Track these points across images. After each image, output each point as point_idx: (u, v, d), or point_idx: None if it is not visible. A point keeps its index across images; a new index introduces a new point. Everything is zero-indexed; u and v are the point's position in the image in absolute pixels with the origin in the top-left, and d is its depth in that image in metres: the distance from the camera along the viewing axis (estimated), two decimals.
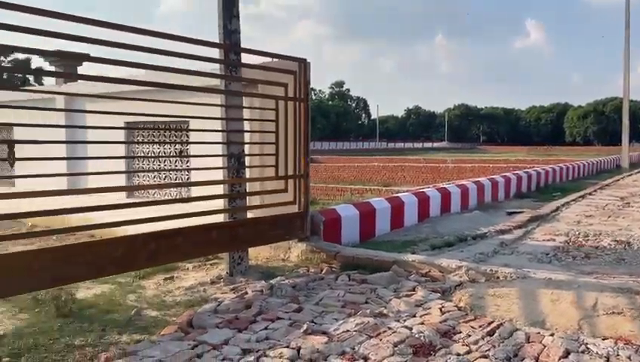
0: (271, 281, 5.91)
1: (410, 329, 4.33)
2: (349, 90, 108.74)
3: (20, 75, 52.96)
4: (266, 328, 4.41)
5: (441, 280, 5.83)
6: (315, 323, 4.51)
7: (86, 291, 5.84)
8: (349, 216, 8.01)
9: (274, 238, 6.95)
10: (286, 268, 6.78)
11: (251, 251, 6.89)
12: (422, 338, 4.14)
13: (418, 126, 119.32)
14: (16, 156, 4.32)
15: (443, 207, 10.74)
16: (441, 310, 4.82)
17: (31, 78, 51.71)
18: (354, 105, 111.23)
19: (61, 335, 4.47)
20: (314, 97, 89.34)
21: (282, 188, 6.73)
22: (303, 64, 6.82)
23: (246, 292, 5.51)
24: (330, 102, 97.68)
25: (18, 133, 9.93)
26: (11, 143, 4.28)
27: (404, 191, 11.38)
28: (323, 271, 6.37)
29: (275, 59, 6.90)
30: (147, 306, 5.36)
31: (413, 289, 5.48)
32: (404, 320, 4.56)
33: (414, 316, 4.69)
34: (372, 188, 16.50)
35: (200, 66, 6.43)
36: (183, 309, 5.17)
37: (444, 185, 12.19)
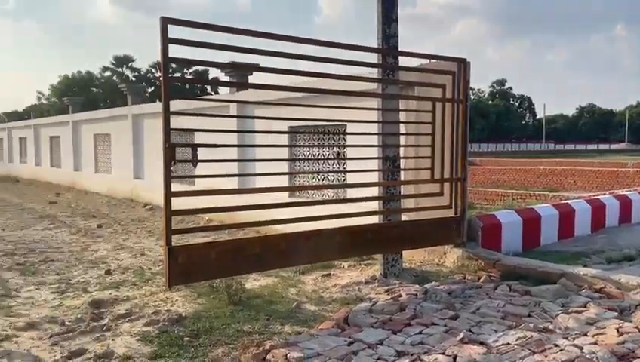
0: (425, 286, 5.84)
1: (581, 348, 3.96)
2: (511, 88, 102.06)
3: (198, 85, 59.49)
4: (420, 332, 4.37)
5: (618, 298, 5.24)
6: (472, 333, 4.36)
7: (253, 282, 6.37)
8: (510, 223, 7.58)
9: (428, 242, 6.86)
10: (441, 274, 6.65)
11: (405, 254, 6.88)
12: (594, 359, 3.75)
13: (592, 126, 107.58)
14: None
15: (622, 216, 9.65)
16: (618, 330, 4.33)
17: (208, 87, 57.68)
18: (517, 104, 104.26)
19: (232, 321, 4.94)
20: (472, 97, 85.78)
21: (438, 191, 6.61)
22: (463, 64, 6.63)
23: (400, 295, 5.52)
24: (489, 102, 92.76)
25: (198, 138, 11.10)
26: (195, 147, 4.83)
27: (574, 198, 10.43)
28: (481, 279, 6.12)
29: (432, 61, 6.81)
30: (306, 300, 5.66)
31: (585, 306, 5.01)
32: (574, 338, 4.18)
33: (585, 334, 4.28)
34: (537, 193, 15.34)
35: (358, 71, 6.61)
36: (339, 306, 5.37)
37: (624, 192, 10.88)
